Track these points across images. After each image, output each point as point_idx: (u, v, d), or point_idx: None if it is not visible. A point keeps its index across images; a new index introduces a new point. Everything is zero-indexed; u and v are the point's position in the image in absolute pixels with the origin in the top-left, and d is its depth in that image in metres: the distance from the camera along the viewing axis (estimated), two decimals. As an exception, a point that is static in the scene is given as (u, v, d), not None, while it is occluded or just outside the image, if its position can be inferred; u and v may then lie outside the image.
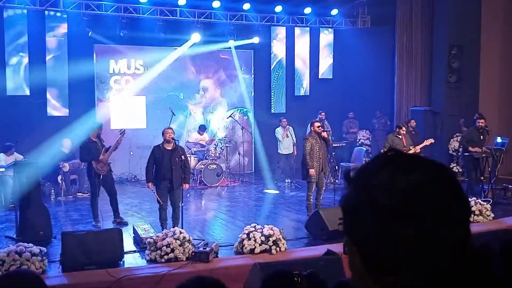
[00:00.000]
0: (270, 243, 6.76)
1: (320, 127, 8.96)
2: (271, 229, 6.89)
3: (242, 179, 13.12)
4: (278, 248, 6.78)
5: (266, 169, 13.40)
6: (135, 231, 7.53)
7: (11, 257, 5.90)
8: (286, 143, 12.68)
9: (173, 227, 7.29)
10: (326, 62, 15.46)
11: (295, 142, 12.59)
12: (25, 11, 11.78)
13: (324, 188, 9.11)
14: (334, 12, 14.88)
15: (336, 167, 11.07)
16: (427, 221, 0.82)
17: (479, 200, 8.65)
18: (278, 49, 14.88)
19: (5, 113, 11.49)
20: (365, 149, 13.18)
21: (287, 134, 12.63)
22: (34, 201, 7.80)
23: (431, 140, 10.30)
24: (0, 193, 10.20)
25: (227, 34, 13.73)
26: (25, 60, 11.84)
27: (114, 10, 12.60)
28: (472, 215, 8.24)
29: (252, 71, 14.80)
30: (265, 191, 11.99)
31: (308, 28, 15.10)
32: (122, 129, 9.36)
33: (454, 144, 13.15)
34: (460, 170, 12.41)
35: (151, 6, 12.89)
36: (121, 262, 6.50)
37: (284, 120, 12.89)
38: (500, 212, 9.07)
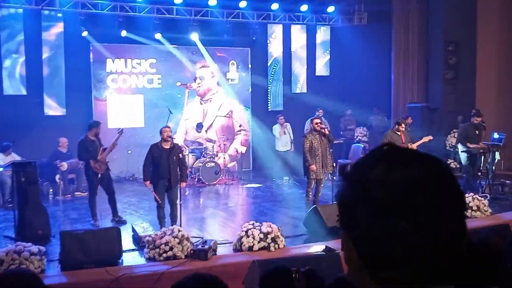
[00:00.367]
0: (269, 240, 6.77)
1: (319, 124, 8.97)
2: (270, 226, 6.91)
3: (240, 176, 13.12)
4: (276, 245, 6.79)
5: (263, 167, 13.41)
6: (133, 230, 7.53)
7: (10, 257, 5.90)
8: (284, 140, 12.69)
9: (172, 225, 7.30)
10: (323, 59, 15.47)
11: (292, 139, 12.60)
12: (21, 10, 11.75)
13: (322, 185, 9.13)
14: (331, 9, 14.87)
15: (334, 164, 11.08)
16: (423, 216, 0.82)
17: (477, 196, 8.68)
18: (275, 46, 14.88)
19: (2, 113, 11.45)
20: (362, 145, 13.20)
21: (284, 131, 12.64)
22: (32, 200, 7.80)
23: (430, 137, 10.32)
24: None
25: (223, 32, 13.71)
26: (21, 59, 11.81)
27: (111, 9, 12.57)
28: (470, 211, 8.27)
29: (249, 68, 14.79)
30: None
31: (304, 26, 15.10)
32: (120, 128, 9.36)
33: (451, 140, 13.18)
34: (458, 166, 12.44)
35: (148, 5, 12.86)
36: (120, 260, 6.50)
37: (282, 117, 12.89)
38: (498, 207, 9.12)
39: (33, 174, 7.98)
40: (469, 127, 10.44)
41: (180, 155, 8.01)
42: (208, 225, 8.82)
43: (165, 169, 7.87)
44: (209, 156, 12.49)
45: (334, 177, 11.20)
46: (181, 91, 14.00)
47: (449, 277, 0.85)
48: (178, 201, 7.91)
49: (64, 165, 11.07)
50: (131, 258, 6.75)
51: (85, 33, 12.22)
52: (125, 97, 13.31)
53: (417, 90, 14.48)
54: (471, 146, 10.20)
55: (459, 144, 10.72)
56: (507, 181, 10.34)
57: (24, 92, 11.89)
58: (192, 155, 12.58)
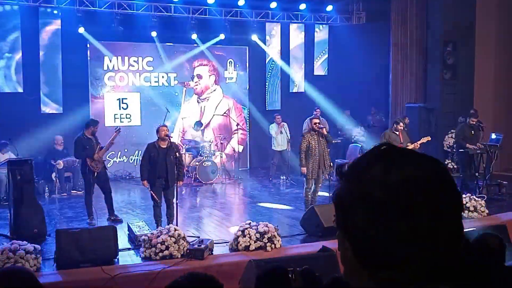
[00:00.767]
0: (265, 240, 6.76)
1: (318, 124, 8.95)
2: (266, 226, 6.90)
3: (236, 176, 13.11)
4: (273, 245, 6.78)
5: (260, 166, 13.40)
6: (129, 229, 7.51)
7: (5, 255, 5.88)
8: (280, 139, 12.67)
9: (168, 224, 7.28)
10: (321, 58, 15.46)
11: (289, 138, 12.58)
12: (17, 7, 11.69)
13: (320, 185, 9.11)
14: (329, 8, 14.87)
15: (331, 163, 11.07)
16: (419, 215, 0.82)
17: (474, 196, 8.68)
18: (273, 45, 14.86)
19: (-2, 111, 11.43)
20: (360, 145, 13.19)
21: (281, 131, 12.62)
22: (28, 198, 7.76)
23: (428, 138, 10.29)
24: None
25: (221, 30, 13.70)
26: (18, 56, 11.76)
27: (108, 7, 12.54)
28: (467, 211, 8.27)
29: (247, 67, 14.77)
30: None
31: (302, 25, 15.09)
32: (117, 126, 9.33)
33: (449, 140, 13.18)
34: (455, 166, 12.44)
35: (146, 3, 12.82)
36: (116, 259, 6.48)
37: (279, 116, 12.87)
38: (495, 208, 9.11)
39: (29, 172, 7.94)
40: (465, 127, 10.44)
41: (177, 154, 7.98)
42: (205, 225, 8.80)
43: (162, 168, 7.85)
44: (206, 155, 12.46)
45: (331, 177, 11.21)
46: (178, 90, 13.97)
47: (447, 277, 0.84)
48: (174, 200, 7.89)
49: (60, 163, 11.03)
50: (127, 257, 6.73)
51: (81, 30, 12.17)
52: (122, 95, 13.27)
53: (415, 90, 14.47)
54: (470, 146, 10.20)
55: (456, 144, 10.71)
56: (504, 182, 10.34)
57: (20, 89, 11.85)
58: (189, 154, 12.55)
